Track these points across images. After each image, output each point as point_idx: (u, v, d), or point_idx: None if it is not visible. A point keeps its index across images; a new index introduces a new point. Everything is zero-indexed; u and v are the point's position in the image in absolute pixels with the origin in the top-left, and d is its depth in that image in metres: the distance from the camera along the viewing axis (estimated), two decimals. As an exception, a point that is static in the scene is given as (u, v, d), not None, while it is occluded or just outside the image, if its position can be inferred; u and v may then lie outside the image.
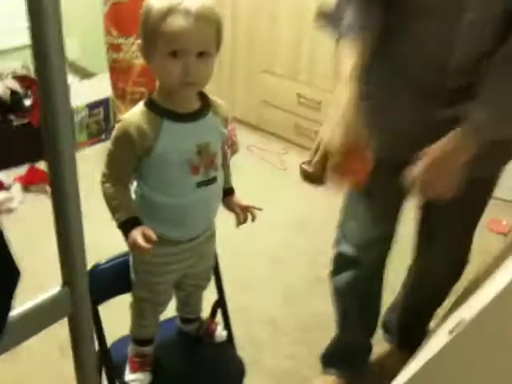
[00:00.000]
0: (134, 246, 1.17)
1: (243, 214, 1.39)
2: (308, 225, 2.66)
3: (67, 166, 0.78)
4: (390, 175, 1.34)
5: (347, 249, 1.64)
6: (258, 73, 3.24)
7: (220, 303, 1.56)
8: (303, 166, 2.99)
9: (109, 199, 1.21)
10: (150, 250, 1.16)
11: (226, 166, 1.37)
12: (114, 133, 1.16)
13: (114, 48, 2.57)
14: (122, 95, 2.64)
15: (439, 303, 1.79)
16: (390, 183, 1.38)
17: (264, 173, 3.10)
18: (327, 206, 2.80)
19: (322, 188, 2.88)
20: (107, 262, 1.35)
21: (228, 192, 1.39)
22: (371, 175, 1.29)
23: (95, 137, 3.13)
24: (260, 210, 1.41)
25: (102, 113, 3.12)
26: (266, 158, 3.21)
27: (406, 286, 1.86)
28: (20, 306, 0.84)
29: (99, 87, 3.03)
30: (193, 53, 1.09)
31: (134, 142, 1.13)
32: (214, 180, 1.24)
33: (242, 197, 1.43)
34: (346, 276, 1.67)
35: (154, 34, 1.09)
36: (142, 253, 1.17)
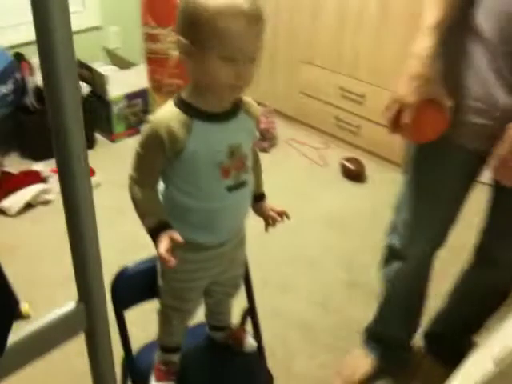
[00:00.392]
0: (161, 252, 1.12)
1: (274, 219, 1.33)
2: (347, 225, 2.56)
3: (78, 171, 0.73)
4: (456, 167, 1.33)
5: (395, 241, 1.60)
6: (299, 64, 3.14)
7: (250, 311, 1.50)
8: (344, 162, 2.92)
9: (137, 204, 1.16)
10: (173, 265, 1.11)
11: (257, 169, 1.30)
12: (143, 134, 1.10)
13: (150, 38, 2.53)
14: (159, 87, 2.60)
15: (492, 312, 1.68)
16: (454, 177, 1.37)
17: (303, 168, 3.01)
18: (368, 205, 2.71)
19: (363, 186, 2.82)
20: (135, 266, 1.31)
21: (259, 197, 1.33)
22: (434, 168, 1.31)
23: (133, 127, 3.11)
24: (288, 218, 1.34)
25: (140, 104, 3.09)
26: (305, 152, 3.12)
27: (458, 293, 1.75)
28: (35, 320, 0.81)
29: (138, 77, 3.00)
30: (246, 59, 1.03)
31: (164, 143, 1.07)
32: (244, 183, 1.18)
33: (273, 202, 1.35)
34: (392, 268, 1.65)
35: (208, 33, 1.00)
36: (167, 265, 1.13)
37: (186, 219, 1.18)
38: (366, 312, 2.05)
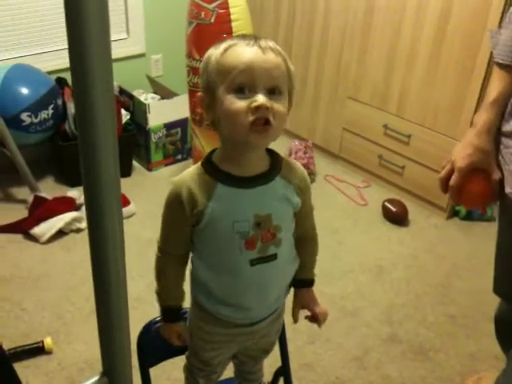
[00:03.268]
0: (166, 335, 1.13)
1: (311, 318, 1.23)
2: (386, 272, 2.43)
3: (108, 207, 0.61)
4: None
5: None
6: (344, 99, 3.05)
7: (283, 371, 1.40)
8: (386, 203, 2.80)
9: (158, 274, 1.11)
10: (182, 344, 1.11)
11: (308, 249, 1.17)
12: (167, 194, 1.03)
13: (194, 71, 2.48)
14: (199, 121, 2.55)
15: None
16: None
17: (341, 206, 2.90)
18: (409, 251, 2.58)
19: (405, 230, 2.69)
20: (160, 321, 1.23)
21: (303, 283, 1.20)
22: None
23: (171, 157, 3.07)
24: (319, 326, 1.23)
25: (179, 133, 3.06)
26: (344, 190, 3.02)
27: None
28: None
29: (179, 107, 2.96)
30: (261, 86, 0.91)
31: (184, 204, 0.98)
32: (272, 257, 1.04)
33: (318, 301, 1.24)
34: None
35: (213, 74, 0.94)
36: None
37: (210, 292, 1.08)
38: (403, 369, 1.92)
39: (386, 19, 2.70)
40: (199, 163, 1.03)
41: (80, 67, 0.53)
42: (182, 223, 1.02)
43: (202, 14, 2.35)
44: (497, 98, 1.24)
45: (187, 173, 1.02)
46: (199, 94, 0.99)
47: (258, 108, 0.90)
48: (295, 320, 1.22)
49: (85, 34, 0.51)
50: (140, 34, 3.14)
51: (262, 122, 0.91)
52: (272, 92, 0.92)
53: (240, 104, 0.90)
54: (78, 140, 0.59)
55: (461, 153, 1.27)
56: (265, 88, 0.91)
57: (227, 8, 2.34)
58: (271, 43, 0.95)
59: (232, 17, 2.36)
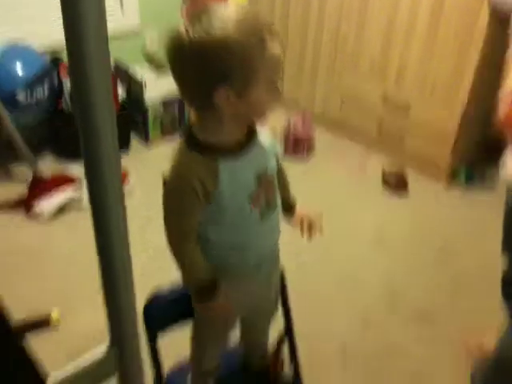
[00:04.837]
0: (211, 312, 1.14)
1: (309, 226, 1.28)
2: (387, 240, 2.45)
3: (109, 185, 0.62)
4: None
5: None
6: (343, 70, 3.04)
7: (288, 337, 1.42)
8: (386, 173, 2.80)
9: (182, 262, 1.11)
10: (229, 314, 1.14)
11: (283, 181, 1.24)
12: (172, 190, 1.03)
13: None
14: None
15: None
16: None
17: (341, 177, 2.90)
18: (410, 219, 2.59)
19: (405, 199, 2.71)
20: (165, 291, 1.25)
21: (291, 207, 1.28)
22: None
23: (169, 132, 3.06)
24: (318, 222, 1.28)
25: (176, 109, 3.04)
26: (344, 160, 3.02)
27: None
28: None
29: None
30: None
31: (197, 192, 1.00)
32: (275, 206, 1.14)
33: (301, 206, 1.31)
34: None
35: (254, 67, 0.92)
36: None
37: (220, 253, 1.12)
38: (407, 335, 1.95)
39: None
40: (185, 149, 1.03)
41: (76, 40, 0.52)
42: (197, 209, 1.04)
43: (197, -14, 2.32)
44: None
45: (184, 161, 1.02)
46: (222, 88, 0.93)
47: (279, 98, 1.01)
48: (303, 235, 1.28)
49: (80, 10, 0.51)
50: (134, 9, 3.10)
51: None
52: None
53: (271, 97, 0.99)
54: (76, 116, 0.59)
55: None
56: None
57: (222, -21, 2.31)
58: (273, 27, 0.97)
59: (227, -11, 2.32)
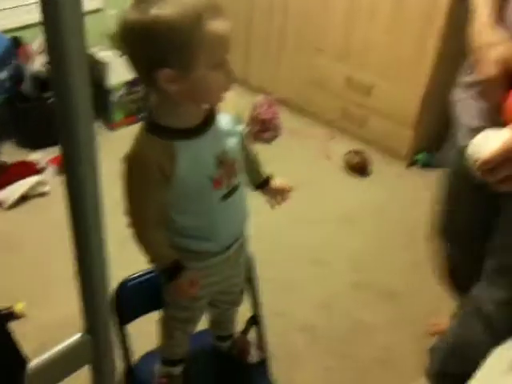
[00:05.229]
0: (179, 291, 1.14)
1: (278, 194, 1.32)
2: (352, 221, 2.50)
3: (87, 165, 0.64)
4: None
5: None
6: (307, 53, 3.05)
7: (255, 319, 1.45)
8: (349, 155, 2.85)
9: (144, 245, 1.12)
10: (197, 293, 1.14)
11: (252, 160, 1.27)
12: (130, 171, 1.03)
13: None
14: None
15: None
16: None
17: (306, 160, 2.94)
18: (373, 200, 2.65)
19: (368, 180, 2.76)
20: (135, 279, 1.26)
21: (265, 183, 1.31)
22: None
23: (133, 115, 3.03)
24: (290, 190, 1.33)
25: (140, 91, 3.00)
26: (309, 143, 3.05)
27: None
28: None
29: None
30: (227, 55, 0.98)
31: (155, 174, 1.01)
32: (237, 187, 1.14)
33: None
34: None
35: (192, 47, 0.91)
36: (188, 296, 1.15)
37: (186, 234, 1.14)
38: (373, 315, 2.01)
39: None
40: (143, 131, 1.04)
41: (53, 23, 0.53)
42: (156, 191, 1.05)
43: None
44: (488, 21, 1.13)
45: (142, 144, 1.03)
46: (163, 69, 0.93)
47: (230, 79, 1.00)
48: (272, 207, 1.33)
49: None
50: (95, -12, 3.03)
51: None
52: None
53: (220, 78, 0.98)
54: (54, 99, 0.59)
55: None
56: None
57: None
58: (218, 5, 0.95)
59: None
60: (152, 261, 1.14)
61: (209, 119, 1.07)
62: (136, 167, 1.03)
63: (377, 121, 2.88)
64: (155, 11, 0.88)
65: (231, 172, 1.11)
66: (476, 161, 0.95)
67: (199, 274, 1.17)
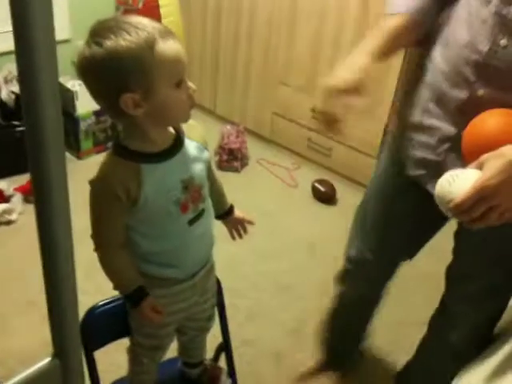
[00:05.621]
0: (143, 318, 1.15)
1: (237, 224, 1.36)
2: (319, 248, 2.55)
3: (56, 193, 0.64)
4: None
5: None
6: (273, 84, 3.12)
7: (225, 346, 1.46)
8: (316, 184, 2.91)
9: (107, 269, 1.12)
10: (162, 320, 1.14)
11: (217, 188, 1.30)
12: (95, 193, 1.05)
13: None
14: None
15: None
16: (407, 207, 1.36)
17: (273, 188, 2.99)
18: (340, 227, 2.68)
19: (334, 208, 2.81)
20: (103, 305, 1.25)
21: (228, 212, 1.34)
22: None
23: (101, 144, 3.03)
24: (252, 223, 1.38)
25: (109, 120, 3.02)
26: (276, 172, 3.10)
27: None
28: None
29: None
30: (186, 74, 1.02)
31: (120, 196, 1.02)
32: (203, 212, 1.16)
33: (237, 209, 1.38)
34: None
35: (149, 70, 0.95)
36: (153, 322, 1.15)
37: (152, 259, 1.15)
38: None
39: (311, 3, 2.77)
40: (111, 154, 1.06)
41: (25, 51, 0.55)
42: (120, 213, 1.06)
43: (130, -1, 2.34)
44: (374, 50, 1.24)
45: (109, 166, 1.05)
46: (125, 95, 0.95)
47: (192, 95, 1.03)
48: (234, 238, 1.38)
49: (29, 20, 0.53)
50: (64, 19, 3.06)
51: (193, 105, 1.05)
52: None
53: (183, 96, 1.01)
54: (25, 125, 0.61)
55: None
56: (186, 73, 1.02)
57: (155, -6, 2.34)
58: (167, 28, 1.00)
59: (160, 2, 2.36)
60: (116, 286, 1.14)
61: (176, 144, 1.10)
62: (101, 189, 1.04)
63: (342, 150, 2.95)
64: (107, 44, 0.92)
65: (197, 197, 1.13)
66: (448, 202, 0.96)
67: (164, 301, 1.18)
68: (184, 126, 1.14)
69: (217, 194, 1.29)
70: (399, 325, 2.12)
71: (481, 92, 1.08)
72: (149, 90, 0.96)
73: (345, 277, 1.68)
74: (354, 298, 1.69)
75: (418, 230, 1.44)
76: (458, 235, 1.37)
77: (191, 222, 1.13)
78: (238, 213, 1.36)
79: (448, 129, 1.17)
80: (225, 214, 1.33)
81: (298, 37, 2.91)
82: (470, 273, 1.35)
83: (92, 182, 1.04)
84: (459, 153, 1.10)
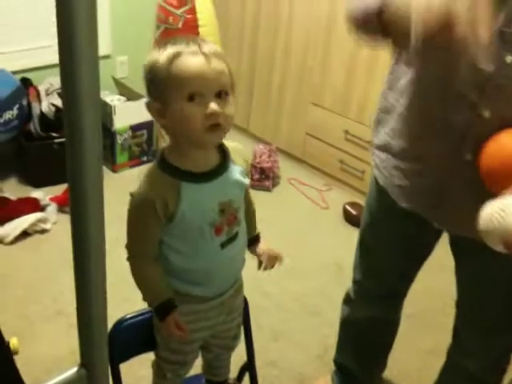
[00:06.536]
0: (167, 332, 1.16)
1: (270, 262, 1.30)
2: (347, 272, 2.51)
3: (92, 205, 0.65)
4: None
5: None
6: (307, 105, 3.14)
7: (249, 366, 1.45)
8: (347, 206, 2.89)
9: (138, 279, 1.14)
10: (185, 337, 1.15)
11: (250, 214, 1.29)
12: (134, 203, 1.08)
13: (162, 74, 2.51)
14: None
15: None
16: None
17: (304, 209, 2.98)
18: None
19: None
20: (130, 318, 1.26)
21: (254, 239, 1.31)
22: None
23: (136, 158, 3.09)
24: (281, 263, 1.32)
25: (145, 135, 3.08)
26: (307, 193, 3.10)
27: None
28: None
29: (145, 109, 2.97)
30: (210, 92, 1.00)
31: (157, 210, 1.04)
32: (236, 235, 1.16)
33: (269, 244, 1.34)
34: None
35: (165, 81, 1.00)
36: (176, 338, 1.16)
37: (181, 276, 1.15)
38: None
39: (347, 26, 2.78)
40: (155, 167, 1.08)
41: (69, 66, 0.56)
42: (155, 227, 1.08)
43: (170, 18, 2.39)
44: None
45: (148, 180, 1.07)
46: (148, 101, 1.06)
47: (212, 114, 1.00)
48: (260, 267, 1.31)
49: (74, 33, 0.55)
50: (106, 35, 3.14)
51: (215, 125, 1.01)
52: (219, 95, 1.01)
53: (194, 111, 1.00)
54: (65, 137, 0.63)
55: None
56: (213, 93, 1.01)
57: (195, 13, 2.39)
58: (213, 48, 1.03)
59: (199, 22, 2.41)
60: (145, 297, 1.16)
61: (220, 167, 1.11)
62: (141, 201, 1.06)
63: (374, 174, 2.93)
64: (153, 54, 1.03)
65: (233, 220, 1.14)
66: (505, 238, 0.91)
67: (190, 318, 1.19)
68: (232, 149, 1.15)
69: (248, 221, 1.27)
70: (428, 353, 2.07)
71: (487, 113, 1.04)
72: (166, 101, 1.00)
73: (350, 298, 1.69)
74: (362, 321, 1.68)
75: (408, 256, 1.45)
76: (458, 264, 1.35)
77: (223, 244, 1.14)
78: (262, 246, 1.31)
79: (447, 155, 1.12)
80: (250, 240, 1.29)
81: (333, 58, 2.92)
82: (477, 302, 1.33)
83: (133, 194, 1.07)
84: (460, 179, 1.09)
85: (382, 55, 2.68)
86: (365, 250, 1.54)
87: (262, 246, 1.31)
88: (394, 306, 1.62)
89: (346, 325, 1.74)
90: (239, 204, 1.16)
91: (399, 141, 1.20)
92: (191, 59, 0.99)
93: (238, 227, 1.16)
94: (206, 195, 1.08)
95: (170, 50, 1.00)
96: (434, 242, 1.40)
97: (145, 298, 1.16)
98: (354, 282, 1.64)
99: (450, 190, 1.15)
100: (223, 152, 1.13)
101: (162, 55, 1.00)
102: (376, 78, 2.75)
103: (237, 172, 1.14)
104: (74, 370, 0.80)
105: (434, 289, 2.36)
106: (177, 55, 0.99)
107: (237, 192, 1.15)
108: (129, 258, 1.13)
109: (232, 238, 1.15)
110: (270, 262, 1.29)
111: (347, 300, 1.71)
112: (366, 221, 1.50)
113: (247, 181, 1.18)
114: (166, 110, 1.01)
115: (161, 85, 1.01)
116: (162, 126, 1.07)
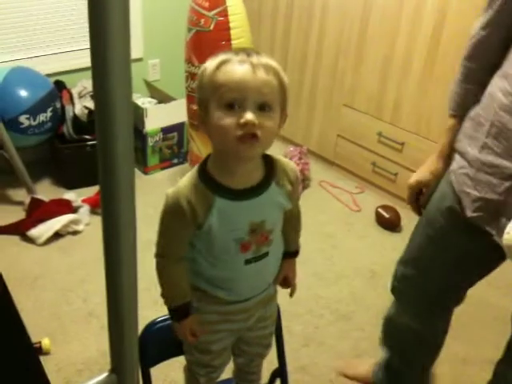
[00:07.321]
0: (179, 333, 1.17)
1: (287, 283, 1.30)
2: (380, 276, 2.47)
3: (124, 208, 0.65)
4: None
5: None
6: (339, 107, 3.10)
7: (280, 372, 1.42)
8: (380, 209, 2.84)
9: (161, 276, 1.14)
10: (194, 342, 1.16)
11: (295, 228, 1.26)
12: (166, 203, 1.07)
13: (193, 77, 2.51)
14: (197, 125, 2.58)
15: None
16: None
17: (335, 212, 2.94)
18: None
19: (398, 236, 2.73)
20: (161, 321, 1.25)
21: (290, 254, 1.27)
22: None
23: (167, 161, 3.10)
24: (292, 291, 1.32)
25: (176, 137, 3.09)
26: (338, 195, 3.06)
27: None
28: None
29: (176, 111, 2.99)
30: (251, 103, 0.95)
31: (186, 215, 1.03)
32: (265, 255, 1.13)
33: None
34: None
35: (206, 89, 0.98)
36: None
37: (207, 279, 1.15)
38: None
39: (381, 28, 2.74)
40: (195, 172, 1.06)
41: (102, 69, 0.55)
42: (183, 231, 1.08)
43: (202, 21, 2.38)
44: (441, 150, 1.41)
45: (185, 184, 1.05)
46: (196, 108, 1.05)
47: (246, 124, 0.95)
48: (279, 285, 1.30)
49: (107, 37, 0.54)
50: (138, 38, 3.17)
51: (250, 135, 0.96)
52: (262, 108, 0.97)
53: (229, 120, 0.96)
54: (97, 139, 0.62)
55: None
56: (255, 104, 0.96)
57: (226, 16, 2.37)
58: (264, 59, 0.98)
59: (231, 24, 2.39)
60: (164, 295, 1.15)
61: (259, 187, 1.06)
62: (173, 203, 1.05)
63: (408, 176, 2.85)
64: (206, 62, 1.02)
65: (263, 241, 1.11)
66: None
67: (213, 318, 1.18)
68: (279, 168, 1.11)
69: (292, 232, 1.24)
70: (463, 362, 2.01)
71: None
72: (207, 108, 0.99)
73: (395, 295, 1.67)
74: (404, 329, 1.66)
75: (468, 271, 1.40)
76: None
77: (248, 261, 1.11)
78: (292, 273, 1.30)
79: (510, 166, 1.11)
80: (288, 253, 1.26)
81: (366, 60, 2.88)
82: None
83: (167, 194, 1.06)
84: None
85: (416, 57, 2.63)
86: (418, 264, 1.51)
87: (291, 266, 1.28)
88: (438, 323, 1.57)
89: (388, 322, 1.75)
90: (274, 226, 1.11)
91: (468, 147, 1.23)
92: (236, 67, 0.96)
93: (267, 247, 1.12)
94: (238, 213, 1.06)
95: (219, 58, 0.98)
96: (496, 263, 1.35)
97: (163, 295, 1.15)
98: (399, 292, 1.64)
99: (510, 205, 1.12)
100: (270, 166, 1.09)
101: (212, 62, 0.99)
102: (410, 80, 2.70)
103: (280, 195, 1.10)
104: (105, 375, 0.79)
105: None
106: (223, 62, 0.97)
107: (273, 213, 1.11)
108: (156, 256, 1.13)
109: (259, 258, 1.12)
110: (287, 285, 1.31)
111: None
112: (427, 235, 1.47)
113: (288, 204, 1.12)
114: (207, 116, 1.00)
115: (204, 91, 0.99)
116: (206, 134, 1.03)
